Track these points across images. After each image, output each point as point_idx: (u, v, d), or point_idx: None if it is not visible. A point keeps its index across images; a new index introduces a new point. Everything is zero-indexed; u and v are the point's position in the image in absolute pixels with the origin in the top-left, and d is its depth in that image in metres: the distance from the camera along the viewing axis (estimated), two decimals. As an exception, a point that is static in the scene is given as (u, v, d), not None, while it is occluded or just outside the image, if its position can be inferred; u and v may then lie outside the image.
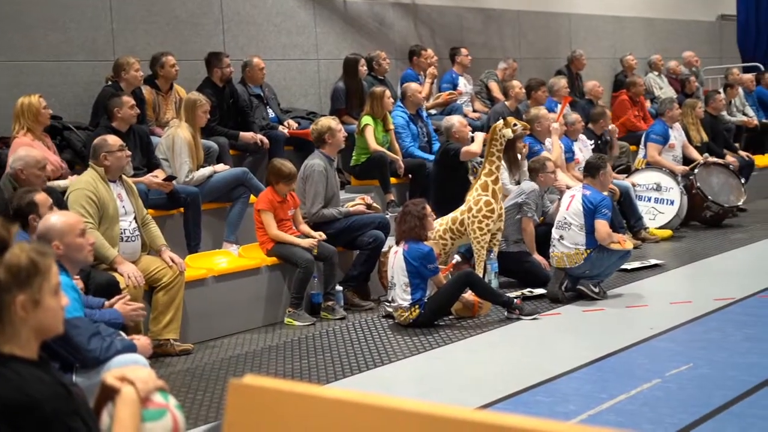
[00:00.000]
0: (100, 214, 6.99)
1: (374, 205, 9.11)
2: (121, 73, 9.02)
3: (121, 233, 7.17)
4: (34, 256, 2.80)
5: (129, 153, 7.57)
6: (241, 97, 10.22)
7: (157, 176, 8.30)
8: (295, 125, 10.69)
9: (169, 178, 8.30)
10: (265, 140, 9.87)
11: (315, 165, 8.70)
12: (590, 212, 8.45)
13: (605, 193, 8.80)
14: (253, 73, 10.49)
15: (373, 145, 10.30)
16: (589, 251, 8.42)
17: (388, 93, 10.62)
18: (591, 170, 8.83)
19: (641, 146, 12.44)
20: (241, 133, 9.83)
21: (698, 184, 11.86)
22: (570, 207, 8.60)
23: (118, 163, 7.27)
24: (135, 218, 7.34)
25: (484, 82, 13.23)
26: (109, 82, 9.11)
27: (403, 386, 6.54)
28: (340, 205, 8.91)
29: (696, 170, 11.99)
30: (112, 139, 7.33)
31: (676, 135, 12.35)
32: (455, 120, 10.06)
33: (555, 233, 8.66)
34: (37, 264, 2.81)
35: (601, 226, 8.40)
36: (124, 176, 7.47)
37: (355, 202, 8.99)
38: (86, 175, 7.21)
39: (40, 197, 6.02)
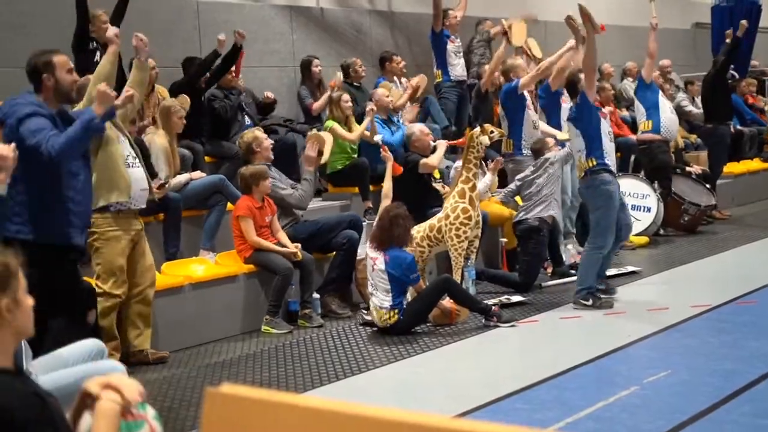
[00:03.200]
0: None
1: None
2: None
3: None
4: (3, 258, 2.81)
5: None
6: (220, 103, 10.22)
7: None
8: (271, 95, 10.98)
9: (162, 185, 8.22)
10: None
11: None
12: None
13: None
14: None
15: (347, 135, 10.27)
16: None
17: (345, 96, 10.59)
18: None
19: None
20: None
21: (674, 190, 12.00)
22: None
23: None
24: None
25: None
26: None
27: (380, 395, 6.50)
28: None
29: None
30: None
31: None
32: (416, 129, 9.98)
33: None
34: (9, 265, 2.81)
35: None
36: None
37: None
38: None
39: (59, 58, 5.95)
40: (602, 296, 8.45)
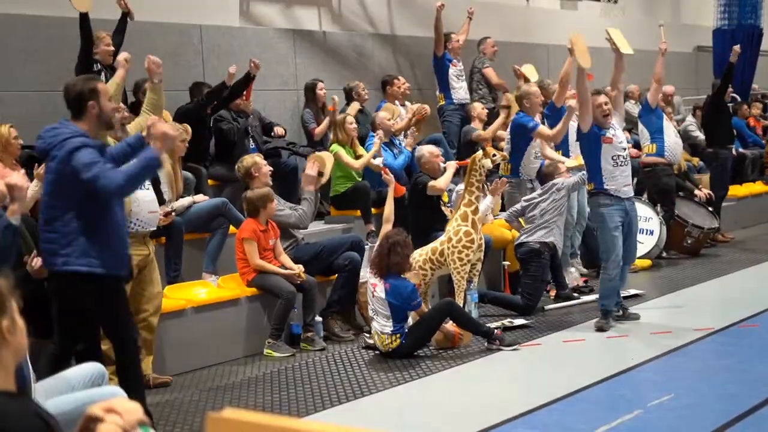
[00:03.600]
0: None
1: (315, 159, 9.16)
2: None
3: None
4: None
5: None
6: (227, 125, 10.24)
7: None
8: (282, 132, 10.75)
9: (168, 213, 8.19)
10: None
11: None
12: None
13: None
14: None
15: (352, 162, 10.29)
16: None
17: (349, 119, 10.60)
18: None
19: None
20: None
21: (677, 212, 12.01)
22: None
23: None
24: None
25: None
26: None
27: (383, 418, 6.48)
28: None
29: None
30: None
31: None
32: (425, 150, 9.96)
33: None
34: (1, 287, 2.82)
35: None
36: None
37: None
38: None
39: (102, 85, 5.84)
40: (609, 320, 8.50)
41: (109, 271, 5.66)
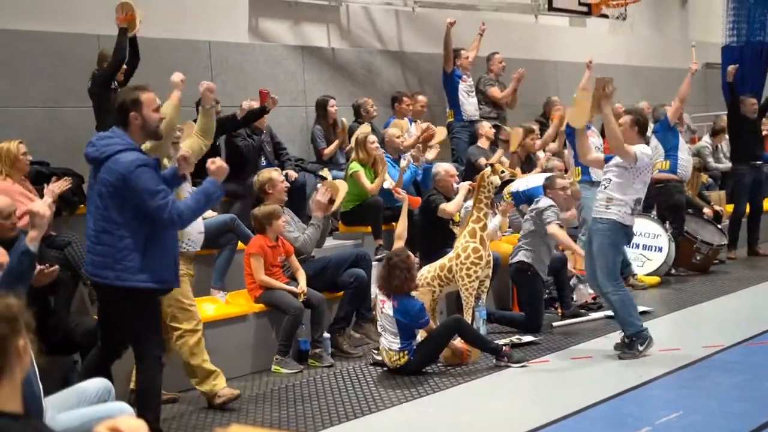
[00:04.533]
0: None
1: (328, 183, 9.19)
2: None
3: None
4: (12, 302, 2.84)
5: None
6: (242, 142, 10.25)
7: None
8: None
9: None
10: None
11: None
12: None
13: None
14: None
15: (368, 185, 10.29)
16: None
17: (371, 138, 10.57)
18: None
19: None
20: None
21: (685, 229, 12.00)
22: None
23: None
24: None
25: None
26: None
27: (391, 435, 6.48)
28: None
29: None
30: None
31: None
32: (442, 168, 9.97)
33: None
34: (13, 307, 2.84)
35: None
36: None
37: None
38: None
39: (147, 96, 5.78)
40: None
41: (162, 285, 5.73)
